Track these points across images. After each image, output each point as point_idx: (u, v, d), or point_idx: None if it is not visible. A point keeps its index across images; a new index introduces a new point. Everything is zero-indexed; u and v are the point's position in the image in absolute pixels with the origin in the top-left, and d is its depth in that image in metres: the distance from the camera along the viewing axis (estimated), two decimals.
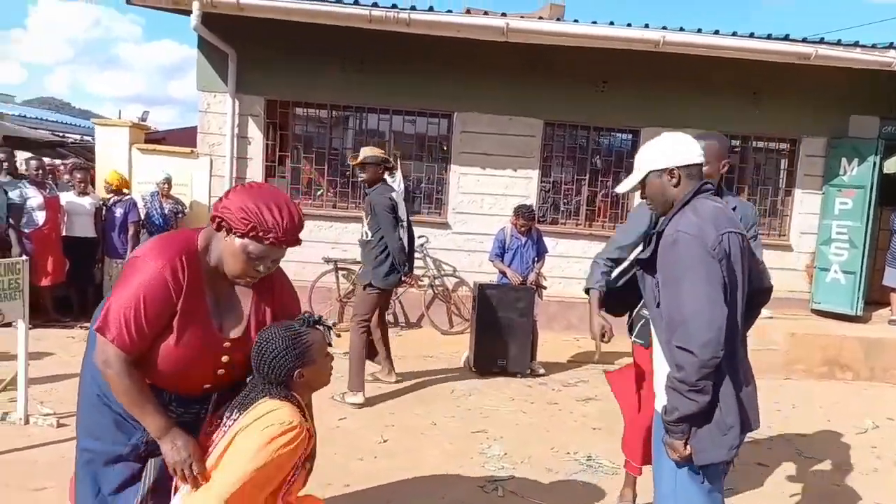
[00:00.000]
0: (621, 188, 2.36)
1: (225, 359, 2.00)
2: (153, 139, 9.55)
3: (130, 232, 6.96)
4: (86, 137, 11.48)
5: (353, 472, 3.62)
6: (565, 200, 8.19)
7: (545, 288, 6.29)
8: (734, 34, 7.04)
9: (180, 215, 7.33)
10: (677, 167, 2.15)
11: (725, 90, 7.79)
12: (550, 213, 8.15)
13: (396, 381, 5.31)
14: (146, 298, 1.83)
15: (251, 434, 1.80)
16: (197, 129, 7.79)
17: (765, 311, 7.55)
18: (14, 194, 6.30)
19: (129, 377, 1.86)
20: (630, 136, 8.11)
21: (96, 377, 2.00)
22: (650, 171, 2.19)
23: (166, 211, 7.16)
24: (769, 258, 8.07)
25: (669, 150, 2.17)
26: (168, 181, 7.29)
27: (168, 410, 1.97)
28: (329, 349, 2.02)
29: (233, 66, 7.46)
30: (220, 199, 1.94)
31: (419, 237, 7.72)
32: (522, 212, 5.87)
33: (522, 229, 5.90)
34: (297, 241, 1.95)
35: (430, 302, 7.77)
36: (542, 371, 5.89)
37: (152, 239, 2.02)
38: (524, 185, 7.87)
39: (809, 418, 5.10)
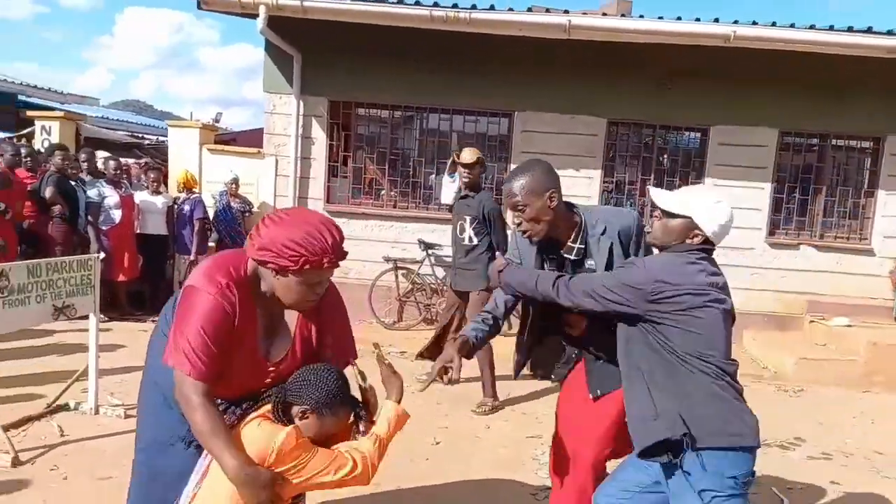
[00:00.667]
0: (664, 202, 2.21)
1: (268, 381, 2.02)
2: (224, 140, 9.89)
3: (196, 228, 7.21)
4: (162, 138, 11.97)
5: (403, 473, 3.62)
6: (630, 201, 7.98)
7: None
8: (812, 27, 6.69)
9: (247, 214, 7.55)
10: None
11: (801, 86, 7.41)
12: None
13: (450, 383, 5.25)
14: (210, 327, 1.83)
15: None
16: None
17: (844, 320, 7.20)
18: (92, 193, 6.63)
19: (212, 413, 1.82)
20: (698, 135, 7.83)
21: (159, 383, 2.06)
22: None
23: (234, 210, 7.38)
24: (849, 263, 7.68)
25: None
26: (236, 181, 7.52)
27: None
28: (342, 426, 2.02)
29: (297, 68, 7.62)
30: (253, 235, 1.90)
31: None
32: None
33: None
34: (345, 254, 1.92)
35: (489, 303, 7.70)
36: None
37: (203, 265, 1.99)
38: (586, 185, 7.71)
39: (890, 435, 4.79)
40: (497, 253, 5.74)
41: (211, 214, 7.49)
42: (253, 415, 1.92)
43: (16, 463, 3.41)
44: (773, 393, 5.75)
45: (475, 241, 4.86)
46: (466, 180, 4.92)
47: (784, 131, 7.63)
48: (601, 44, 6.90)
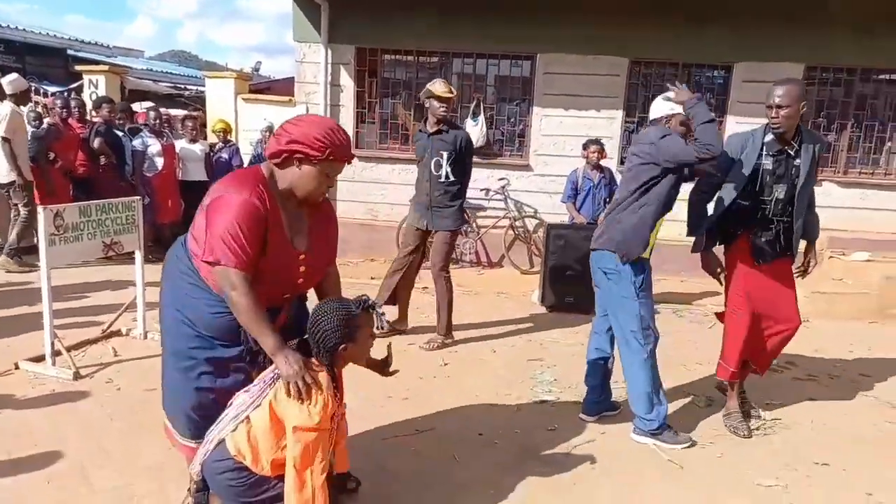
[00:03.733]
0: None
1: (302, 269, 2.39)
2: (259, 89, 10.26)
3: None
4: (202, 89, 12.43)
5: (411, 387, 4.05)
6: None
7: None
8: None
9: None
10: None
11: (828, 21, 7.29)
12: None
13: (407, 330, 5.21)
14: (245, 223, 2.15)
15: (305, 408, 2.16)
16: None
17: (863, 254, 7.24)
18: (137, 142, 7.11)
19: (253, 297, 2.16)
20: (722, 73, 7.81)
21: (173, 301, 2.43)
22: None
23: None
24: (874, 199, 7.66)
25: None
26: (270, 129, 7.89)
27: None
28: (374, 331, 2.35)
29: (325, 17, 7.86)
30: (273, 138, 2.28)
31: (500, 179, 7.97)
32: (592, 141, 6.08)
33: (595, 157, 6.01)
34: (353, 156, 2.36)
35: (510, 243, 8.01)
36: None
37: (224, 180, 2.33)
38: (607, 126, 7.84)
39: (882, 362, 4.98)
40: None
41: (246, 161, 7.92)
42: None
43: (77, 377, 3.96)
44: None
45: (452, 177, 4.71)
46: (443, 114, 4.66)
47: (810, 66, 7.56)
48: None
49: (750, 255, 3.54)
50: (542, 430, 3.56)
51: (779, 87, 3.29)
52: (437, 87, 4.67)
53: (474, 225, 8.08)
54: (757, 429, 3.68)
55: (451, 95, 4.69)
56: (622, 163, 7.88)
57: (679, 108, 3.33)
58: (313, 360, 2.28)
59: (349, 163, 2.35)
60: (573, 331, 5.43)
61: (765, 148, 3.40)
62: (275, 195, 2.29)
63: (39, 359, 4.09)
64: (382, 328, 2.38)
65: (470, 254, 8.13)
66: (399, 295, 5.05)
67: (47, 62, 13.80)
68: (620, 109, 7.80)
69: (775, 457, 3.39)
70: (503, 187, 7.90)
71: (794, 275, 3.66)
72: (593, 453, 3.32)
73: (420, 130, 4.92)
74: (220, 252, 2.15)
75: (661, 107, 3.44)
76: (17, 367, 4.07)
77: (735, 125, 7.64)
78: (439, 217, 4.81)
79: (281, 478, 2.29)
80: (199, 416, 2.44)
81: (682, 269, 7.49)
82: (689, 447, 3.42)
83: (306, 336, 2.33)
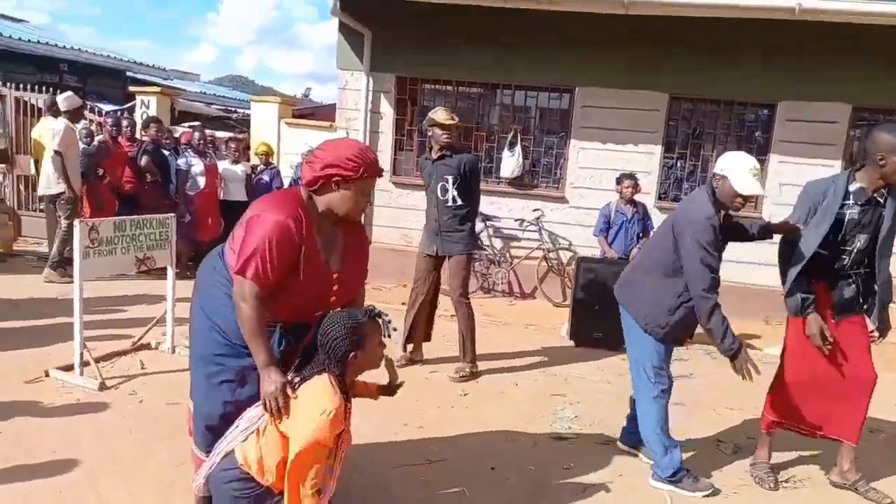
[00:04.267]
0: None
1: (336, 287, 2.47)
2: (304, 114, 10.50)
3: None
4: (249, 112, 12.81)
5: (428, 416, 4.01)
6: (691, 178, 7.95)
7: None
8: None
9: None
10: None
11: (876, 59, 7.11)
12: (673, 191, 7.97)
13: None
14: (276, 244, 2.25)
15: (311, 415, 2.17)
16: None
17: None
18: (181, 161, 7.34)
19: (259, 311, 2.27)
20: (765, 111, 7.67)
21: (205, 309, 2.50)
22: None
23: None
24: None
25: None
26: (311, 152, 8.04)
27: (286, 341, 2.45)
28: (382, 339, 2.38)
29: (367, 46, 8.02)
30: (306, 165, 2.40)
31: (535, 210, 7.94)
32: (626, 175, 6.04)
33: (629, 192, 5.95)
34: (382, 171, 2.49)
35: (544, 274, 7.94)
36: None
37: (265, 199, 2.46)
38: (646, 161, 7.75)
39: None
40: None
41: (286, 183, 8.07)
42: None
43: (102, 387, 4.05)
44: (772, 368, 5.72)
45: (459, 201, 4.71)
46: (446, 140, 4.72)
47: (857, 107, 7.37)
48: (661, 17, 6.91)
49: (828, 308, 3.32)
50: (557, 468, 3.48)
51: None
52: (440, 115, 4.73)
53: (507, 255, 8.05)
54: (786, 481, 3.52)
55: (452, 123, 4.73)
56: (660, 198, 7.79)
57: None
58: (325, 372, 2.29)
59: (380, 176, 2.49)
60: (599, 367, 5.33)
61: (852, 197, 3.20)
62: (312, 218, 2.39)
63: (68, 368, 4.20)
64: (389, 336, 2.38)
65: (502, 283, 8.08)
66: (414, 322, 5.01)
67: (107, 83, 14.35)
68: (659, 145, 7.71)
69: None
70: (538, 218, 7.86)
71: (870, 338, 3.39)
72: (607, 496, 3.22)
73: (425, 158, 4.99)
74: (246, 265, 2.27)
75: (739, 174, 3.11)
76: (47, 375, 4.18)
77: (778, 164, 7.50)
78: (449, 242, 4.79)
79: (282, 492, 2.30)
80: (213, 425, 2.48)
81: (726, 310, 7.32)
82: (709, 496, 3.29)
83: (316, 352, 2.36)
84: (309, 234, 2.35)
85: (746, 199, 3.16)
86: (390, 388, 2.70)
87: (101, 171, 6.66)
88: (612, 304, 5.71)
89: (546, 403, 4.42)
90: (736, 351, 3.10)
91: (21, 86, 8.87)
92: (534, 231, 7.93)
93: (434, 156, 4.81)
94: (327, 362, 2.29)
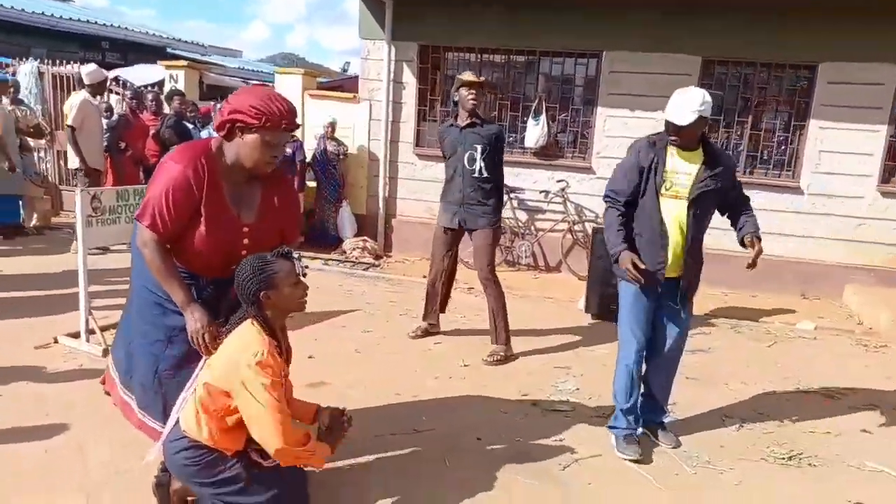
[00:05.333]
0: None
1: (246, 241, 2.43)
2: (332, 86, 10.47)
3: (297, 169, 7.82)
4: None
5: (424, 387, 3.96)
6: (726, 145, 7.59)
7: None
8: None
9: (342, 156, 8.06)
10: None
11: None
12: None
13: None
14: (172, 192, 2.28)
15: (242, 370, 2.15)
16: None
17: None
18: (204, 133, 7.40)
19: (160, 255, 2.32)
20: (805, 73, 7.23)
21: (142, 272, 2.47)
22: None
23: (330, 152, 7.92)
24: None
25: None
26: (332, 124, 8.03)
27: (205, 292, 2.45)
28: (299, 278, 2.32)
29: (389, 14, 7.88)
30: (221, 110, 2.36)
31: (559, 181, 7.73)
32: None
33: None
34: (297, 124, 2.35)
35: (569, 247, 7.76)
36: None
37: (175, 149, 2.46)
38: None
39: None
40: None
41: (309, 156, 8.07)
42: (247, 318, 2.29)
43: (106, 353, 4.12)
44: (850, 346, 5.44)
45: (486, 172, 4.49)
46: (473, 103, 4.47)
47: None
48: None
49: None
50: (545, 440, 3.38)
51: None
52: (466, 75, 4.55)
53: (532, 227, 7.89)
54: (790, 458, 3.34)
55: (478, 80, 4.51)
56: None
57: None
58: (249, 319, 2.27)
59: (290, 130, 2.35)
60: (611, 340, 5.14)
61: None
62: (218, 168, 2.36)
63: (76, 335, 4.30)
64: (303, 275, 2.34)
65: (527, 257, 7.93)
66: (433, 296, 4.92)
67: (147, 59, 14.63)
68: None
69: (804, 492, 3.06)
70: (563, 189, 7.66)
71: None
72: (593, 470, 3.12)
73: (451, 125, 4.70)
74: (143, 212, 2.32)
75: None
76: (56, 342, 4.29)
77: (818, 130, 7.08)
78: (474, 215, 4.57)
79: (236, 456, 2.28)
80: (147, 384, 2.52)
81: (755, 283, 7.03)
82: (633, 461, 3.21)
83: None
84: (212, 184, 2.33)
85: (679, 128, 3.11)
86: (329, 434, 2.51)
87: (122, 145, 6.76)
88: None
89: (548, 376, 4.31)
90: (617, 255, 3.20)
91: (60, 62, 9.08)
92: (559, 203, 7.73)
93: (462, 122, 4.57)
94: (246, 308, 2.28)
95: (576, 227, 7.70)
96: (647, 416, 3.47)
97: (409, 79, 8.13)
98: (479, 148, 4.50)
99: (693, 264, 3.25)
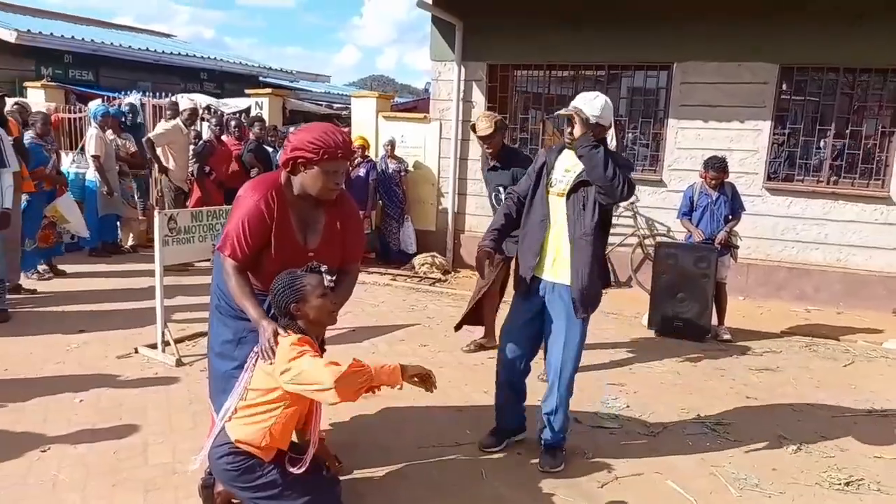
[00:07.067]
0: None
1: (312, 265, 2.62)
2: (406, 108, 10.77)
3: (370, 189, 8.10)
4: None
5: (471, 400, 4.02)
6: (804, 155, 7.24)
7: (737, 248, 5.79)
8: None
9: (403, 173, 8.28)
10: None
11: None
12: (784, 170, 7.30)
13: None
14: (248, 221, 2.55)
15: (283, 351, 2.37)
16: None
17: None
18: (278, 156, 7.80)
19: (238, 279, 2.57)
20: (894, 76, 6.80)
21: (218, 287, 2.76)
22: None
23: (391, 170, 8.17)
24: None
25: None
26: (391, 143, 8.28)
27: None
28: (326, 290, 2.49)
29: (459, 36, 8.07)
30: (284, 146, 2.61)
31: None
32: (712, 164, 5.57)
33: (713, 183, 5.57)
34: (353, 151, 2.60)
35: (639, 262, 7.60)
36: (726, 336, 5.50)
37: (249, 183, 2.72)
38: (752, 139, 7.16)
39: None
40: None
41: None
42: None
43: (178, 363, 4.45)
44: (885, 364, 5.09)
45: None
46: (490, 151, 4.76)
47: None
48: None
49: None
50: (587, 457, 3.36)
51: None
52: (478, 125, 4.71)
53: None
54: (847, 484, 3.16)
55: (483, 133, 4.64)
56: (770, 178, 7.18)
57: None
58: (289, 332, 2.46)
59: (346, 159, 2.59)
60: (672, 357, 5.02)
61: None
62: (286, 199, 2.60)
63: (154, 346, 4.65)
64: (330, 287, 2.50)
65: None
66: (481, 308, 5.01)
67: (242, 87, 15.55)
68: (768, 120, 7.08)
69: None
70: (632, 203, 7.52)
71: None
72: (634, 489, 3.09)
73: (486, 169, 5.05)
74: (224, 242, 2.61)
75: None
76: (136, 352, 4.66)
77: None
78: (513, 243, 4.56)
79: (274, 463, 2.43)
80: (218, 382, 2.77)
81: (839, 298, 6.65)
82: (548, 471, 3.19)
83: None
84: (282, 214, 2.56)
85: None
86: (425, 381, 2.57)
87: (207, 168, 7.25)
88: (695, 292, 5.43)
89: (600, 392, 4.26)
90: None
91: (159, 94, 9.85)
92: (628, 216, 7.60)
93: (490, 164, 4.89)
94: (282, 320, 2.48)
95: (646, 242, 7.54)
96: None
97: (479, 98, 8.26)
98: (501, 189, 4.67)
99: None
